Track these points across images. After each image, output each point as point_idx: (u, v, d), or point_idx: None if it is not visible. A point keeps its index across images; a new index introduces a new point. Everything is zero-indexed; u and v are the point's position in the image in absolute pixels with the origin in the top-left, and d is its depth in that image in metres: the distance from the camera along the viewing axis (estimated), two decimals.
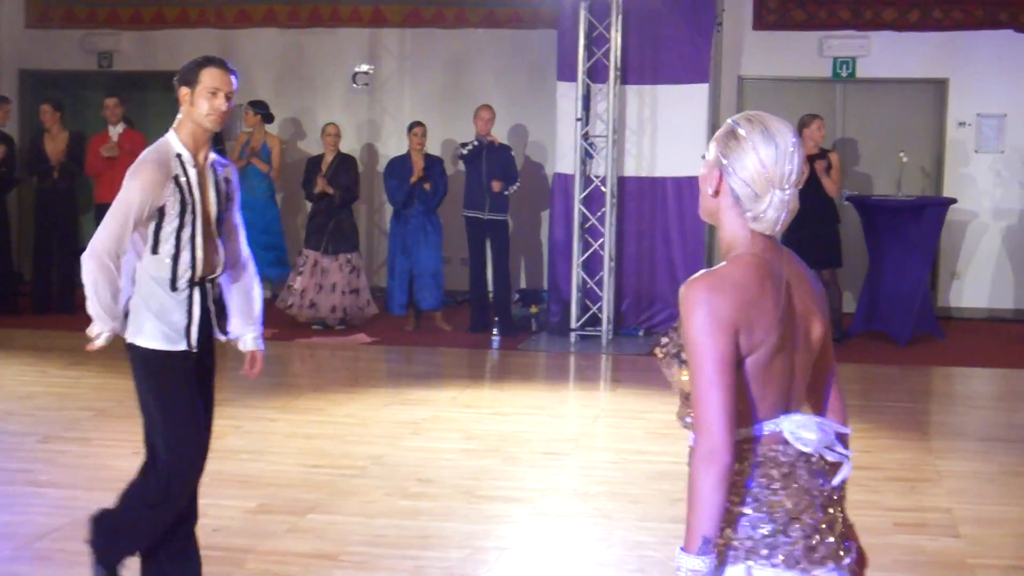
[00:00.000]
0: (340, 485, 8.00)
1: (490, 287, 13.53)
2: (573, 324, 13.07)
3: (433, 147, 14.18)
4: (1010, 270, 14.63)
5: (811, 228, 12.58)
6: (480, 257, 13.45)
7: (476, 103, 13.64)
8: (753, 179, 3.33)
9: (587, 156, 13.14)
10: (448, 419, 9.85)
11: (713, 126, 13.71)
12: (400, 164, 13.41)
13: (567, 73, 13.13)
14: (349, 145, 14.05)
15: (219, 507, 7.33)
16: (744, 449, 3.31)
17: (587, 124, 13.09)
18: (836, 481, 3.36)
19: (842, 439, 3.42)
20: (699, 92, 13.12)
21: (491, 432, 9.42)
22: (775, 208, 3.34)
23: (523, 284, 15.15)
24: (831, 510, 3.35)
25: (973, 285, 14.70)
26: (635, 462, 8.61)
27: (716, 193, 3.41)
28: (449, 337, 13.33)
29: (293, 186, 14.72)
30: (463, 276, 14.00)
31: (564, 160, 13.25)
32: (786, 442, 3.33)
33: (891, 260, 13.00)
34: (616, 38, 12.88)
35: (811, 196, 12.53)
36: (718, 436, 3.17)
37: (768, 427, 3.33)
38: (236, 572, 6.46)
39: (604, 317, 12.99)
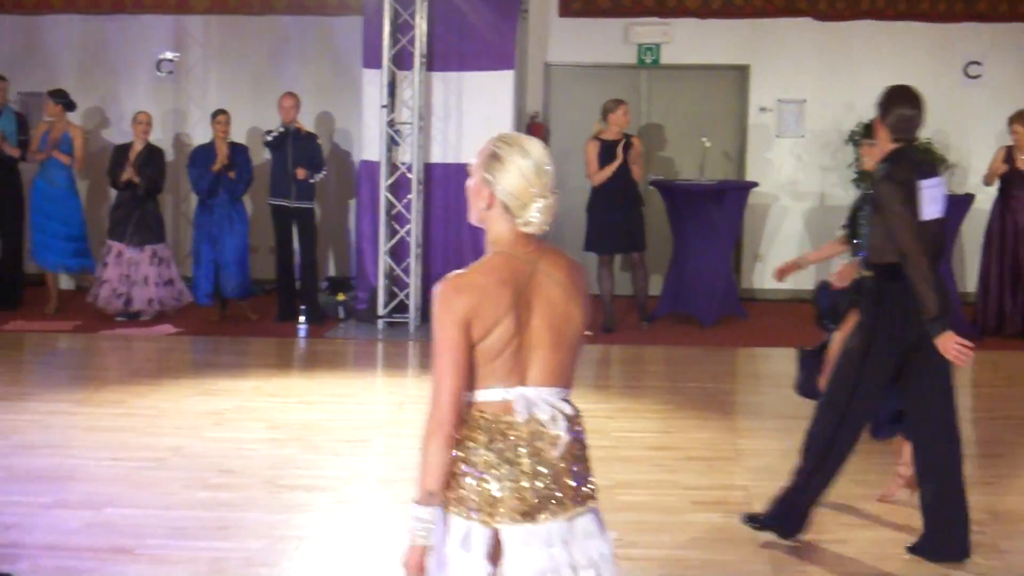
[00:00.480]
0: (139, 478, 7.89)
1: (297, 275, 13.42)
2: (380, 311, 13.04)
3: (239, 135, 14.02)
4: (811, 251, 14.91)
5: (619, 213, 12.75)
6: (287, 245, 13.33)
7: (283, 91, 13.50)
8: (519, 191, 3.97)
9: (393, 143, 13.11)
10: (252, 409, 9.76)
11: (519, 112, 13.79)
12: (204, 152, 13.23)
13: (372, 60, 13.07)
14: (155, 134, 13.82)
15: (15, 504, 7.21)
16: (477, 417, 3.96)
17: (393, 111, 13.05)
18: (557, 452, 3.95)
19: (569, 416, 4.02)
20: (505, 79, 13.15)
21: (295, 421, 9.36)
22: (541, 212, 4.00)
23: (331, 272, 15.06)
24: (554, 472, 3.95)
25: (775, 266, 14.91)
26: None
27: (489, 207, 4.00)
28: (256, 326, 13.20)
29: (97, 176, 14.45)
30: (270, 264, 13.87)
31: (370, 147, 13.20)
32: (518, 411, 3.93)
33: (695, 243, 13.20)
34: (421, 25, 12.86)
35: (619, 181, 12.70)
36: (445, 410, 3.88)
37: (501, 396, 3.95)
38: (31, 569, 6.32)
39: (411, 304, 12.99)
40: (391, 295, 13.12)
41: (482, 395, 3.95)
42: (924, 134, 14.06)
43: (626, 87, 14.71)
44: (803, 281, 14.86)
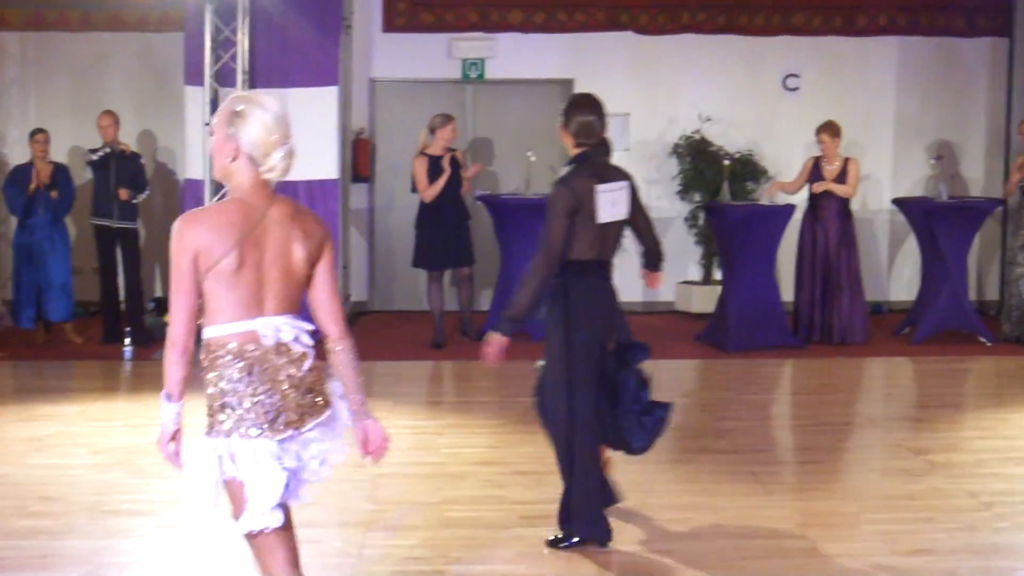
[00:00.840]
0: None
1: (122, 296, 13.21)
2: None
3: (60, 154, 13.78)
4: (636, 264, 14.99)
5: (447, 229, 12.77)
6: (111, 266, 13.12)
7: (104, 108, 13.29)
8: (262, 142, 4.54)
9: None
10: (76, 434, 9.58)
11: (344, 128, 13.74)
12: (21, 172, 12.97)
13: (194, 77, 12.92)
14: None
15: None
16: (220, 344, 4.58)
17: None
18: (305, 368, 4.66)
19: (319, 334, 4.74)
20: (329, 95, 13.09)
21: (120, 445, 9.20)
22: (283, 159, 4.60)
23: (157, 292, 14.84)
24: (296, 389, 4.63)
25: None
26: None
27: (234, 159, 4.57)
28: (80, 349, 12.97)
29: None
30: (94, 286, 13.62)
31: (194, 165, 13.02)
32: (264, 336, 4.57)
33: (522, 258, 13.20)
34: (243, 41, 12.76)
35: (446, 196, 12.75)
36: (180, 329, 4.59)
37: (241, 326, 4.58)
38: None
39: None
40: None
41: (229, 328, 4.56)
42: (744, 145, 14.60)
43: (451, 102, 14.74)
44: (630, 292, 15.06)
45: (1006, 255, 13.93)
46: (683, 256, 15.04)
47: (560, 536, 7.06)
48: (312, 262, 4.70)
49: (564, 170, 6.89)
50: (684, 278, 15.00)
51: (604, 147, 6.98)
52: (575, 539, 7.02)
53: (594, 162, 6.83)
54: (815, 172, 13.13)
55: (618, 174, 6.92)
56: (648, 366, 12.24)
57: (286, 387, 4.62)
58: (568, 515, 7.04)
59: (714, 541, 7.20)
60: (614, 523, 7.14)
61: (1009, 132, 14.55)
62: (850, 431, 10.09)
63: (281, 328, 4.60)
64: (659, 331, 13.88)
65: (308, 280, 4.73)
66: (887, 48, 15.24)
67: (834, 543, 7.20)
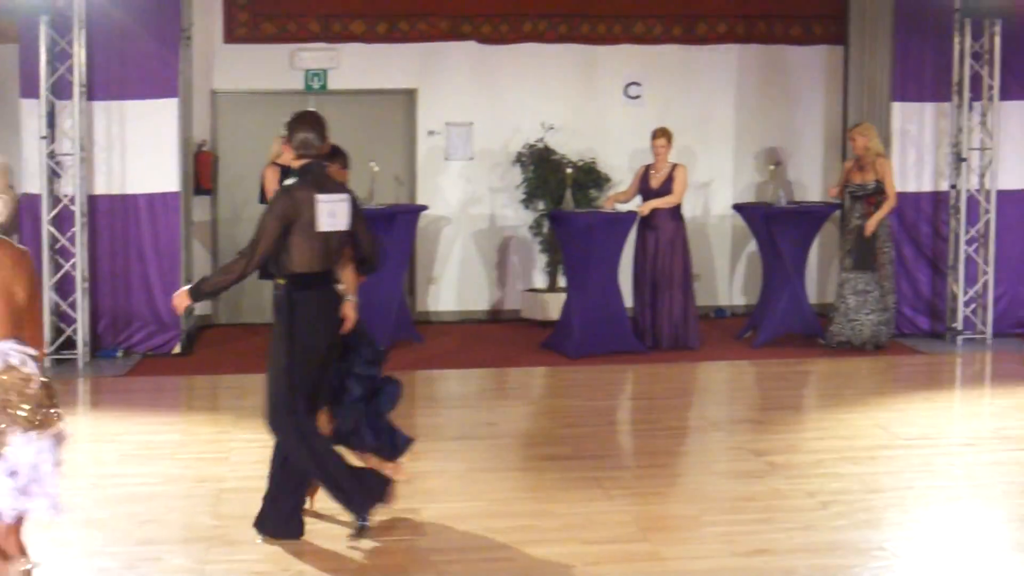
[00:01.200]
0: None
1: None
2: (47, 348, 12.66)
3: None
4: (482, 273, 15.18)
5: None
6: None
7: None
8: None
9: (54, 175, 12.75)
10: None
11: (185, 140, 13.59)
12: None
13: (30, 90, 12.68)
14: None
15: None
16: None
17: (53, 142, 12.71)
18: (34, 387, 5.24)
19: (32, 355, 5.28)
20: (168, 107, 12.96)
21: None
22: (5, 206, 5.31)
23: None
24: (32, 403, 5.22)
25: (448, 289, 15.16)
26: (105, 486, 8.43)
27: None
28: None
29: None
30: None
31: (31, 180, 12.78)
32: None
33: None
34: (80, 53, 12.56)
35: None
36: None
37: None
38: None
39: (79, 339, 12.66)
40: (58, 331, 12.76)
41: None
42: (587, 153, 14.72)
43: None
44: (474, 302, 15.16)
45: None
46: (528, 264, 15.14)
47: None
48: (26, 289, 5.31)
49: (288, 181, 7.22)
50: (530, 286, 15.08)
51: (331, 159, 7.56)
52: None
53: (315, 174, 7.18)
54: (644, 180, 13.31)
55: (338, 187, 7.29)
56: (494, 374, 12.40)
57: (24, 403, 5.22)
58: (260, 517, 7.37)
59: (556, 547, 7.24)
60: (452, 530, 7.16)
61: (845, 138, 14.83)
62: (692, 434, 10.24)
63: (9, 353, 5.22)
64: (504, 339, 13.97)
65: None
66: (726, 56, 15.45)
67: (675, 546, 7.29)
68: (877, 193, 13.02)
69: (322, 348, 7.16)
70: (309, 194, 7.05)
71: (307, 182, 7.11)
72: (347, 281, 7.45)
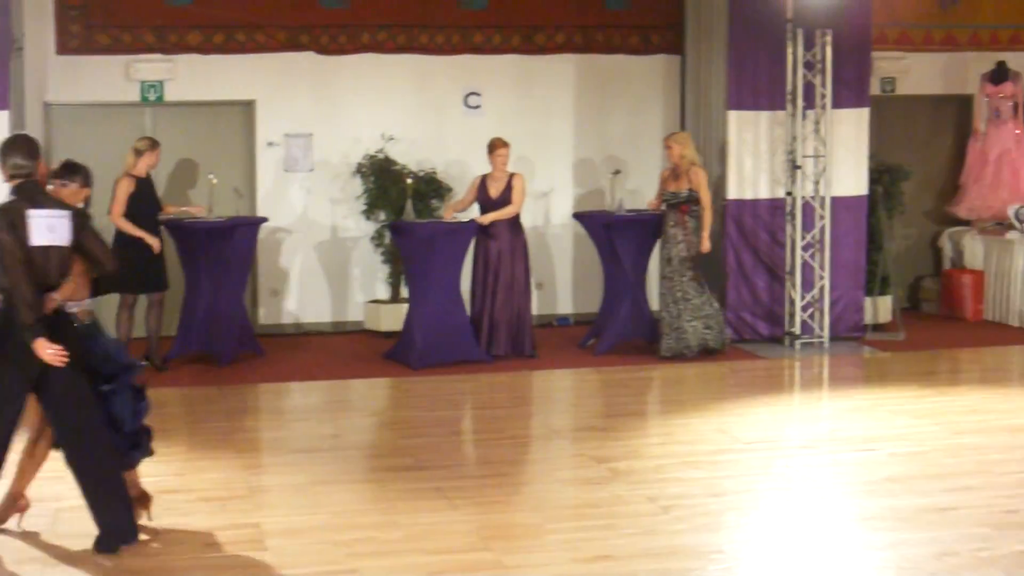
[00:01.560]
0: None
1: None
2: None
3: None
4: (325, 284, 15.08)
5: (141, 253, 12.51)
6: None
7: None
8: None
9: None
10: None
11: None
12: None
13: None
14: None
15: None
16: None
17: None
18: None
19: None
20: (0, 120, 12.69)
21: None
22: None
23: None
24: None
25: (290, 301, 15.04)
26: None
27: None
28: None
29: None
30: None
31: None
32: None
33: (208, 282, 13.07)
34: None
35: (144, 219, 12.57)
36: None
37: None
38: None
39: None
40: None
41: None
42: (427, 163, 14.70)
43: (131, 125, 14.45)
44: (318, 313, 15.07)
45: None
46: (370, 275, 15.07)
47: None
48: None
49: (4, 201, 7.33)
50: (372, 297, 15.02)
51: (71, 176, 7.78)
52: None
53: (29, 191, 7.23)
54: (482, 189, 13.33)
55: (58, 204, 7.37)
56: (337, 386, 12.34)
57: None
58: None
59: (398, 559, 7.21)
60: (294, 544, 7.08)
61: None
62: (535, 443, 10.28)
63: None
64: (348, 351, 13.91)
65: None
66: (565, 66, 15.55)
67: (517, 554, 7.30)
68: (690, 202, 13.13)
69: (35, 369, 7.14)
70: (22, 209, 7.12)
71: (22, 199, 7.18)
72: (66, 292, 7.39)
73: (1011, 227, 15.50)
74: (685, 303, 13.20)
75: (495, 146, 13.36)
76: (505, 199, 13.27)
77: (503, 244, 13.21)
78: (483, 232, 13.26)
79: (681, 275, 13.18)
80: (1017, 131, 15.98)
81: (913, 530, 7.71)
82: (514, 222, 13.32)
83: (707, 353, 13.25)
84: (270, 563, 7.17)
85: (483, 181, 13.39)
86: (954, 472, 9.05)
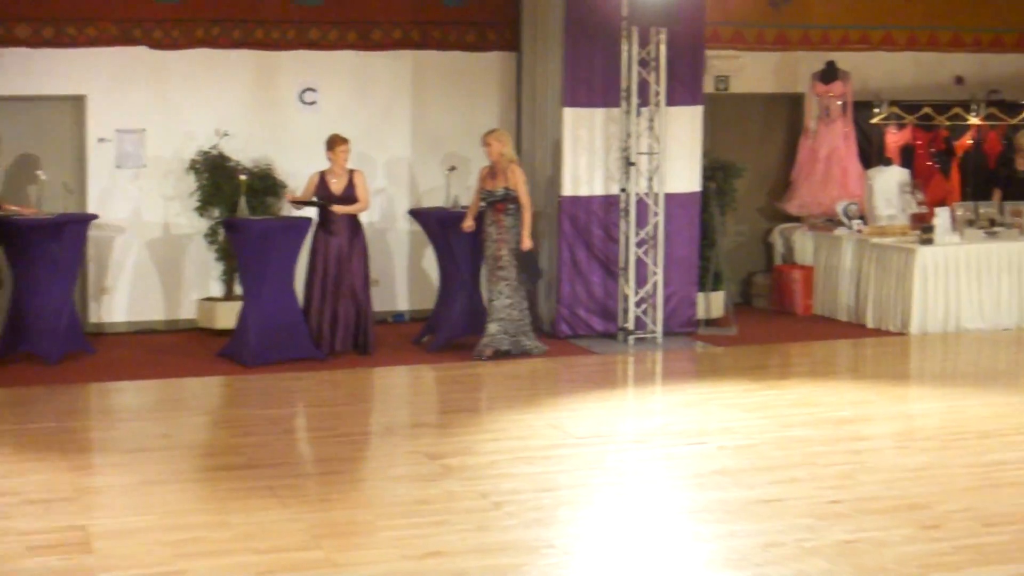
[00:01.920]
0: None
1: None
2: None
3: None
4: (158, 281, 14.87)
5: None
6: None
7: None
8: None
9: None
10: None
11: None
12: None
13: None
14: None
15: None
16: None
17: None
18: None
19: None
20: None
21: None
22: None
23: None
24: None
25: (122, 299, 14.80)
26: None
27: None
28: None
29: None
30: None
31: None
32: None
33: (35, 279, 12.84)
34: None
35: None
36: None
37: None
38: None
39: None
40: None
41: None
42: (262, 159, 14.58)
43: None
44: (150, 311, 14.86)
45: None
46: (204, 273, 14.90)
47: None
48: None
49: None
50: (206, 295, 14.85)
51: None
52: None
53: None
54: (323, 186, 13.23)
55: None
56: (169, 385, 12.23)
57: None
58: None
59: (228, 558, 7.15)
60: (122, 545, 7.01)
61: (520, 142, 15.07)
62: (369, 440, 10.26)
63: None
64: (180, 349, 13.75)
65: None
66: (402, 62, 15.51)
67: (348, 552, 7.28)
68: (506, 200, 13.17)
69: None
70: None
71: None
72: None
73: (840, 223, 15.84)
74: (490, 304, 13.25)
75: (335, 143, 13.29)
76: (349, 196, 13.19)
77: (343, 241, 13.14)
78: (322, 229, 13.19)
79: (494, 274, 13.20)
80: (846, 129, 16.35)
81: (741, 522, 7.84)
82: (353, 219, 13.26)
83: (500, 355, 13.23)
84: (95, 566, 7.06)
85: (322, 177, 13.29)
86: (781, 464, 9.22)
